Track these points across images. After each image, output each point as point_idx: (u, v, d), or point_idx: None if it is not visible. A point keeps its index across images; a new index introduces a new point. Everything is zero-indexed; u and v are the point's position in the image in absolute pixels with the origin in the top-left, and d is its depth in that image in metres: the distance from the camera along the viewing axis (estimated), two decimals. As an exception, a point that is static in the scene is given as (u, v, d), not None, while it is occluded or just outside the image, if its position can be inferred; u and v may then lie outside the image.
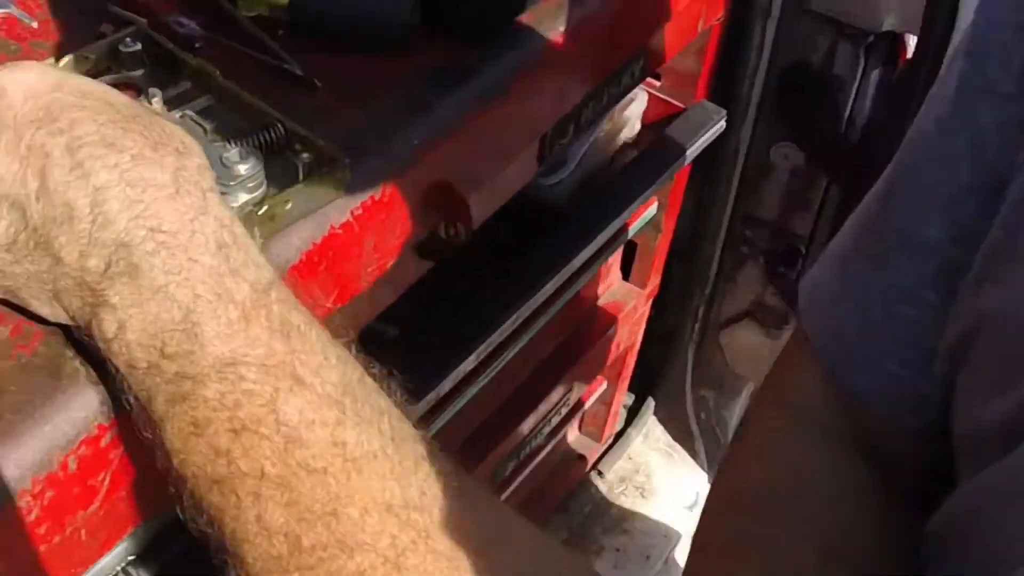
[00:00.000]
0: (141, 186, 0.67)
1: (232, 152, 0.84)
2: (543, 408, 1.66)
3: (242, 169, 0.81)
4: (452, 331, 1.19)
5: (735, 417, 2.10)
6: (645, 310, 1.90)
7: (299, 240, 0.87)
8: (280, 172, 0.83)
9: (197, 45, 0.98)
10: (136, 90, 0.92)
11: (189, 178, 0.69)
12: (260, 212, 0.82)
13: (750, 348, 1.95)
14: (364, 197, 0.92)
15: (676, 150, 1.43)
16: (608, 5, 1.15)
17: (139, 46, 0.94)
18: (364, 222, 0.92)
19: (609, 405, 2.07)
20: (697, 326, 1.99)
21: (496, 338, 1.20)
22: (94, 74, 0.93)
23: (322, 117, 0.93)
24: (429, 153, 0.97)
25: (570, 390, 1.76)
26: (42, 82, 0.70)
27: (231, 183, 0.82)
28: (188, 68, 0.92)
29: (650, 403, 2.25)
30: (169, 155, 0.69)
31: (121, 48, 0.93)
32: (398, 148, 0.96)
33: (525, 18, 1.07)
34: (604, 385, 1.95)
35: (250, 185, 0.83)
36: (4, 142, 0.66)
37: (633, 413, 2.27)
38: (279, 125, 0.88)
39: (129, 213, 0.66)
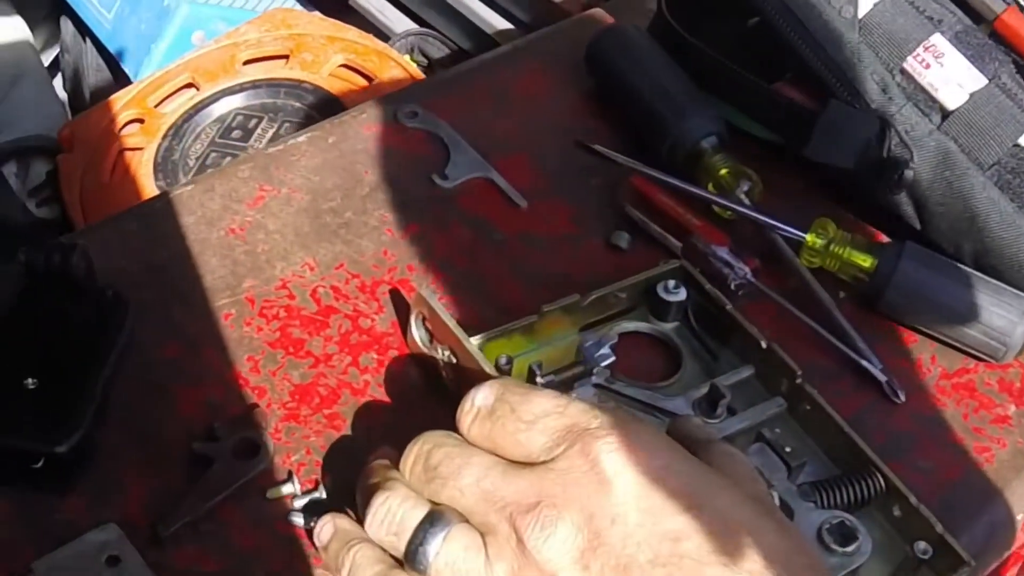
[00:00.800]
0: None
1: (834, 522, 0.59)
2: None
3: (843, 550, 0.59)
4: None
5: None
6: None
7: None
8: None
9: (740, 293, 0.69)
10: (672, 356, 0.67)
11: None
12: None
13: None
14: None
15: None
16: None
17: (683, 294, 0.66)
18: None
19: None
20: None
21: None
22: (615, 314, 0.68)
23: (905, 450, 0.67)
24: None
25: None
26: (668, 485, 0.46)
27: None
28: (754, 352, 0.65)
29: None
30: None
31: (661, 293, 0.66)
32: (1001, 530, 0.66)
33: None
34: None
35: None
36: (600, 567, 0.45)
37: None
38: (878, 478, 0.61)
39: None
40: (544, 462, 0.47)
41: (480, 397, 0.50)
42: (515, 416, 0.49)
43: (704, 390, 0.63)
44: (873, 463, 0.61)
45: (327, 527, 0.53)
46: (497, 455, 0.49)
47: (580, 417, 0.48)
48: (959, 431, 0.69)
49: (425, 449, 0.51)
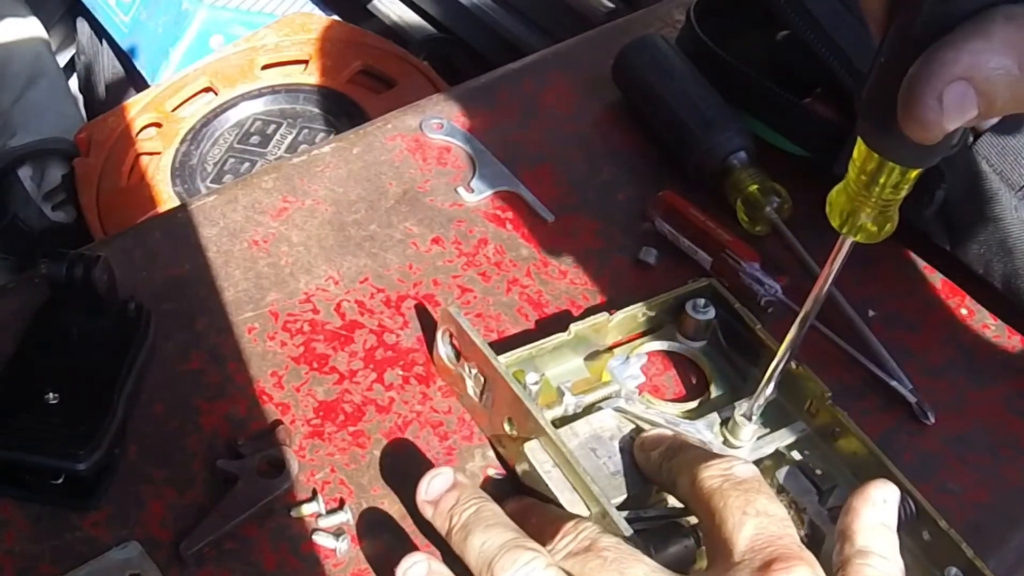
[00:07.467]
0: None
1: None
2: None
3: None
4: None
5: None
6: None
7: None
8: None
9: (770, 311, 0.68)
10: (700, 375, 0.64)
11: None
12: None
13: None
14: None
15: None
16: None
17: (712, 313, 0.65)
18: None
19: None
20: None
21: None
22: (644, 332, 0.67)
23: (934, 472, 0.65)
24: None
25: None
26: None
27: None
28: (783, 372, 0.63)
29: None
30: None
31: (690, 311, 0.65)
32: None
33: None
34: None
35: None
36: None
37: None
38: (908, 501, 0.60)
39: None
40: None
41: None
42: None
43: (731, 411, 0.62)
44: (902, 486, 0.60)
45: (420, 566, 0.51)
46: None
47: None
48: (988, 452, 0.68)
49: (594, 533, 0.51)
